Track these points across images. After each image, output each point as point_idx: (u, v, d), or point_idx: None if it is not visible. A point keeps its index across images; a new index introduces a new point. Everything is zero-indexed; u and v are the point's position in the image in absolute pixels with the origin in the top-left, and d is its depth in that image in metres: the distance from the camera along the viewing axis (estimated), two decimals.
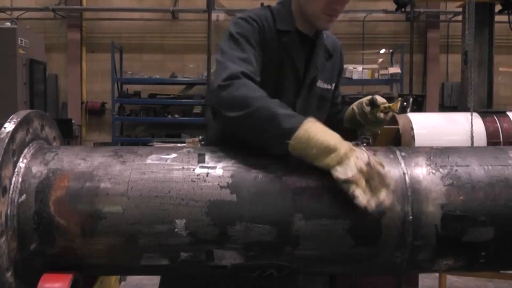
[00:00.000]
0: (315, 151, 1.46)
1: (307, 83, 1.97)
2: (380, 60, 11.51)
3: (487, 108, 6.26)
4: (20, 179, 1.49)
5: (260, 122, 1.52)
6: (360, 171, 1.40)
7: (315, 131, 1.48)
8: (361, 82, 10.48)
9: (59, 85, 11.64)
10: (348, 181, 1.40)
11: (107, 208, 1.46)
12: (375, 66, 10.79)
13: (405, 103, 2.05)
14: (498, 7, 6.69)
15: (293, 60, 1.93)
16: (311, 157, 1.47)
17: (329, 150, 1.44)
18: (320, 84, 2.02)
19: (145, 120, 11.43)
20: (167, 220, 1.46)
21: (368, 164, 1.41)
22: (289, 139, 1.47)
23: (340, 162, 1.42)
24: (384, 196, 1.41)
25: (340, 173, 1.41)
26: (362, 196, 1.39)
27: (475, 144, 4.33)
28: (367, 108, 2.00)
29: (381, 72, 10.63)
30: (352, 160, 1.41)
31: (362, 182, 1.40)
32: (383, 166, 1.45)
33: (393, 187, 1.45)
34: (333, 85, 2.10)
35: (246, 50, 1.73)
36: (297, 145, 1.48)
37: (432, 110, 10.70)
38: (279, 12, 1.95)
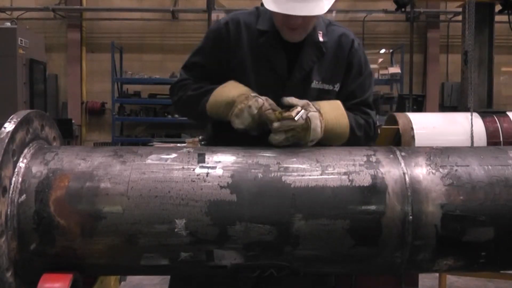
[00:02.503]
0: (222, 108, 1.79)
1: (293, 84, 1.92)
2: (380, 60, 11.49)
3: (487, 108, 6.24)
4: (20, 179, 1.49)
5: (189, 108, 1.96)
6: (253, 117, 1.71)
7: (222, 91, 1.82)
8: None
9: (59, 85, 11.62)
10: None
11: (107, 208, 1.47)
12: (375, 66, 10.77)
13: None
14: (498, 7, 6.68)
15: (270, 60, 1.93)
16: (224, 115, 1.78)
17: (230, 103, 1.76)
18: (317, 84, 1.95)
19: (145, 120, 11.42)
20: (167, 220, 1.46)
21: (261, 107, 1.70)
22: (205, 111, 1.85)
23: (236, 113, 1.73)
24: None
25: (236, 123, 1.74)
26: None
27: (475, 144, 4.32)
28: None
29: (381, 72, 10.61)
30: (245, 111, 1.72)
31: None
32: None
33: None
34: (337, 85, 1.99)
35: (197, 56, 2.04)
36: (211, 110, 1.84)
37: (432, 110, 10.68)
38: (266, 12, 1.94)
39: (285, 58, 1.93)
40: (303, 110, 1.67)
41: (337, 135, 1.82)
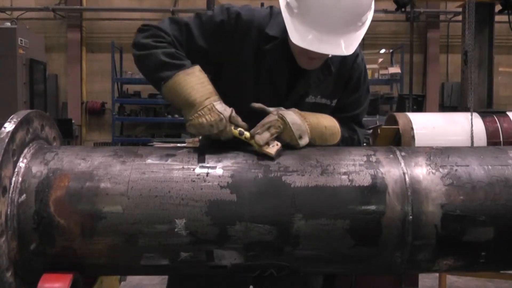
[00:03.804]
0: (179, 102, 1.65)
1: (293, 99, 1.83)
2: (380, 60, 11.49)
3: (487, 108, 6.24)
4: (20, 179, 1.49)
5: (149, 66, 1.73)
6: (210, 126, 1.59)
7: (185, 83, 1.64)
8: None
9: (59, 85, 11.63)
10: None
11: (107, 208, 1.47)
12: (375, 66, 10.78)
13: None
14: (498, 7, 6.68)
15: (271, 71, 1.82)
16: (178, 107, 1.67)
17: (189, 105, 1.62)
18: (312, 99, 1.86)
19: (145, 120, 11.43)
20: (167, 220, 1.46)
21: (221, 120, 1.59)
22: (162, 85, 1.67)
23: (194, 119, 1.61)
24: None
25: (190, 129, 1.64)
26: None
27: (475, 144, 4.32)
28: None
29: (381, 72, 10.61)
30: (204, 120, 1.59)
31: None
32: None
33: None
34: (335, 101, 1.91)
35: (194, 25, 1.81)
36: (167, 93, 1.68)
37: (432, 110, 10.68)
38: (278, 14, 1.79)
39: (287, 72, 1.82)
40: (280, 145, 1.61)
41: (326, 128, 1.75)
